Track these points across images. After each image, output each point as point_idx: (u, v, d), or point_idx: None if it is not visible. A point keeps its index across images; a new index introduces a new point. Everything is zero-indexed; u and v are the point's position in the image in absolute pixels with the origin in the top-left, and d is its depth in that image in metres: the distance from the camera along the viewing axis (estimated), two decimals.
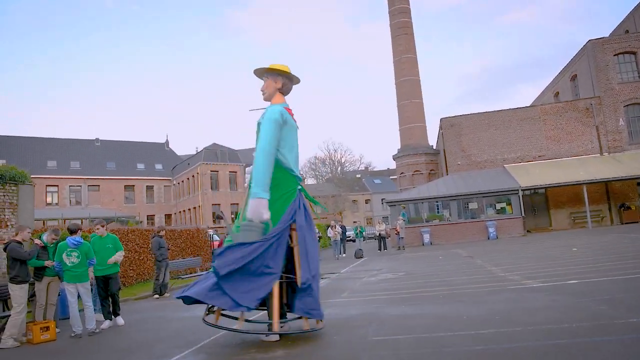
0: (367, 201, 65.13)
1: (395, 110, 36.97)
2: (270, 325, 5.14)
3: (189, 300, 5.19)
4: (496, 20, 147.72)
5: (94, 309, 7.27)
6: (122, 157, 55.45)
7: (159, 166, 57.88)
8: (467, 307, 6.44)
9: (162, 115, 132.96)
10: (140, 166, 55.91)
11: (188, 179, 52.57)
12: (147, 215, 53.49)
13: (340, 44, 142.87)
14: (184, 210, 53.01)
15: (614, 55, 26.70)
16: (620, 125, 26.38)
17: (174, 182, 56.56)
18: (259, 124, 5.40)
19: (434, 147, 36.51)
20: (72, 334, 6.69)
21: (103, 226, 7.77)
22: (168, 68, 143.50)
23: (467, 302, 6.85)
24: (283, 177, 5.37)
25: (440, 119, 29.72)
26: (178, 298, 5.25)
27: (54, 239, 7.33)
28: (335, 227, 21.44)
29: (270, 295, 5.03)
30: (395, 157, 37.20)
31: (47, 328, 6.68)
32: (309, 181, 68.74)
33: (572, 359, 3.75)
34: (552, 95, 35.20)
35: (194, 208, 50.76)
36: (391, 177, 74.57)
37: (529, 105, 34.95)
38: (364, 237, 24.49)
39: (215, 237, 19.86)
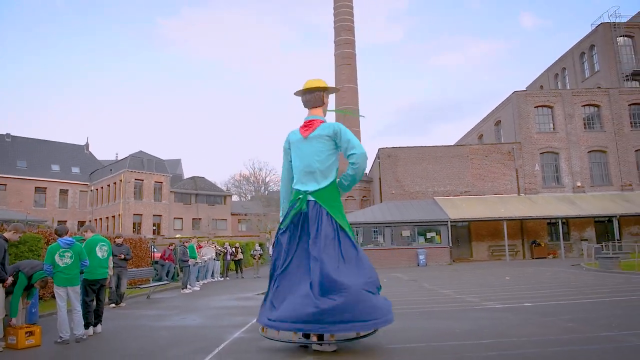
0: None
1: None
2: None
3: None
4: (424, 62, 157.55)
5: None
6: (35, 156, 51.30)
7: (76, 169, 54.31)
8: (452, 322, 7.07)
9: (83, 116, 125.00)
10: (55, 167, 52.07)
11: (109, 185, 49.86)
12: (59, 221, 49.54)
13: (272, 68, 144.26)
14: (102, 218, 50.02)
15: (535, 107, 29.91)
16: (535, 170, 29.39)
17: (91, 187, 53.32)
18: None
19: (367, 174, 38.03)
20: (59, 340, 6.32)
21: (93, 231, 7.59)
22: (95, 70, 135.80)
23: (448, 318, 7.50)
24: (293, 192, 5.79)
25: (379, 149, 31.21)
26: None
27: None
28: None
29: None
30: None
31: (32, 333, 6.31)
32: (233, 198, 67.86)
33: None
34: (476, 136, 38.34)
35: (113, 217, 48.13)
36: None
37: (455, 144, 37.78)
38: None
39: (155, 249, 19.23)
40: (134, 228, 45.79)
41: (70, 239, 6.64)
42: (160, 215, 49.40)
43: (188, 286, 14.74)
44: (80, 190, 53.02)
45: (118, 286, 10.87)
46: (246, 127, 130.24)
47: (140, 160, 48.54)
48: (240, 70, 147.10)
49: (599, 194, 28.79)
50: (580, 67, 37.79)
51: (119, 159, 56.22)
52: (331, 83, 49.31)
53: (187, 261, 14.87)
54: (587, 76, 36.94)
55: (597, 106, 30.24)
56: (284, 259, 5.47)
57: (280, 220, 5.71)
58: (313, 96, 5.88)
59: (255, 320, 8.10)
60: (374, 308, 5.05)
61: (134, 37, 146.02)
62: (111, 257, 7.54)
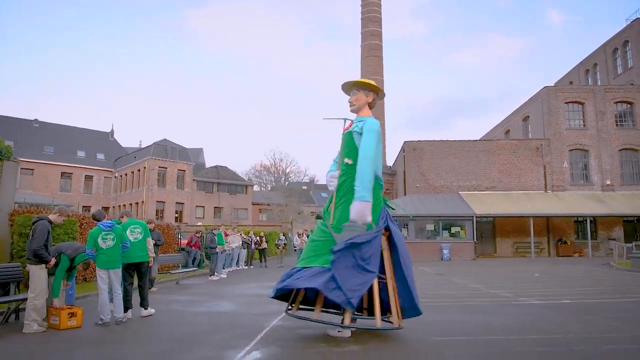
0: (312, 213, 65.63)
1: None
2: (342, 319, 5.37)
3: (280, 292, 5.47)
4: (447, 57, 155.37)
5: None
6: (61, 142, 52.32)
7: (100, 156, 55.21)
8: (491, 316, 6.95)
9: (109, 103, 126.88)
10: (81, 154, 53.01)
11: (133, 172, 50.57)
12: (83, 206, 50.56)
13: (295, 61, 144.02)
14: (125, 205, 50.78)
15: (565, 102, 29.21)
16: (564, 167, 28.78)
17: (116, 174, 54.13)
18: (349, 133, 5.67)
19: (391, 167, 37.80)
20: (99, 322, 6.40)
21: (129, 216, 7.66)
22: (122, 58, 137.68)
23: (487, 312, 7.38)
24: (376, 184, 5.64)
25: (404, 142, 30.94)
26: (279, 290, 5.41)
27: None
28: (302, 236, 21.67)
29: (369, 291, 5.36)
30: None
31: (74, 314, 6.39)
32: (254, 188, 68.23)
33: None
34: (503, 132, 37.69)
35: (136, 203, 48.83)
36: None
37: (481, 139, 37.22)
38: None
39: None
40: (157, 215, 46.41)
41: (110, 222, 6.71)
42: (183, 203, 49.94)
43: (215, 273, 14.85)
44: (105, 177, 53.91)
45: (149, 271, 10.98)
46: (267, 118, 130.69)
47: (164, 148, 49.07)
48: (262, 63, 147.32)
49: (629, 193, 28.05)
50: (612, 63, 36.74)
51: (143, 146, 56.96)
52: (357, 74, 49.37)
53: (215, 248, 14.98)
54: (619, 72, 35.91)
55: (630, 103, 29.39)
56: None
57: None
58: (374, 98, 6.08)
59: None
60: None
61: (162, 27, 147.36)
62: (149, 239, 7.54)
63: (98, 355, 4.93)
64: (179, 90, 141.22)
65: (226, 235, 17.30)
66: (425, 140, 29.79)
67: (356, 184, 5.32)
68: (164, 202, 48.03)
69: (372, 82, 5.98)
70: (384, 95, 6.23)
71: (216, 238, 15.28)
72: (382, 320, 5.36)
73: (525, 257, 26.79)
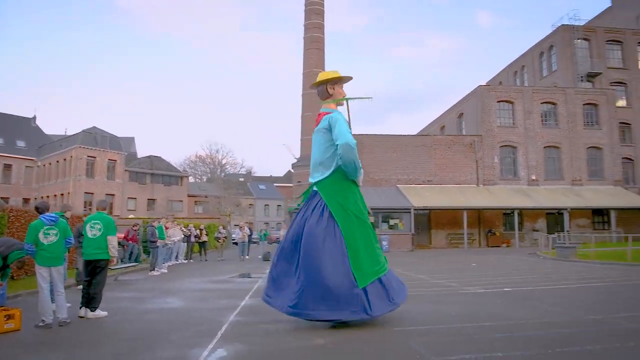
0: (250, 206, 65.01)
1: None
2: None
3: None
4: (383, 53, 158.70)
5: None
6: None
7: (21, 143, 51.39)
8: (444, 306, 7.18)
9: (32, 87, 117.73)
10: None
11: (58, 161, 47.46)
12: (1, 197, 46.81)
13: (231, 47, 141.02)
14: (49, 196, 47.55)
15: (497, 101, 30.84)
16: (494, 162, 30.42)
17: (38, 163, 50.58)
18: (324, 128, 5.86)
19: None
20: (41, 323, 5.90)
21: (104, 209, 7.14)
22: (44, 39, 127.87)
23: (439, 302, 7.62)
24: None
25: None
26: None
27: None
28: (244, 229, 21.37)
29: None
30: (294, 166, 38.04)
31: (11, 316, 5.86)
32: (189, 179, 66.37)
33: (578, 343, 4.62)
34: (438, 128, 39.16)
35: (62, 194, 45.92)
36: (275, 185, 75.39)
37: (418, 134, 38.45)
38: (267, 240, 24.61)
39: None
40: (84, 207, 43.87)
41: (54, 215, 6.21)
42: (114, 195, 47.60)
43: (156, 268, 14.29)
44: (26, 166, 50.25)
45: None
46: (202, 107, 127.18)
47: (94, 137, 46.44)
48: (197, 48, 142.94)
49: (552, 188, 30.20)
50: (539, 66, 39.21)
51: (70, 134, 53.55)
52: (299, 66, 49.15)
53: (156, 242, 14.40)
54: (544, 75, 38.40)
55: (554, 104, 31.56)
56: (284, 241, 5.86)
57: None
58: (319, 90, 6.15)
59: (244, 303, 8.04)
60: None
61: (90, 6, 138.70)
62: (111, 237, 6.87)
63: (56, 359, 4.55)
64: (108, 76, 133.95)
65: (166, 228, 16.69)
66: (366, 134, 30.28)
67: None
68: (92, 193, 45.49)
69: (323, 75, 6.18)
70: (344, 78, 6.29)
71: (157, 231, 14.68)
72: None
73: (458, 247, 28.09)
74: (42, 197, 48.08)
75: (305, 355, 4.50)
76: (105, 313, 6.72)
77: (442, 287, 9.73)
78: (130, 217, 37.70)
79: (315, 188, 5.87)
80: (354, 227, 5.63)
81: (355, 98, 6.48)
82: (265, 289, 5.87)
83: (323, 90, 6.09)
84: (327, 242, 5.48)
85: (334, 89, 6.08)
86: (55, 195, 46.52)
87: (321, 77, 6.16)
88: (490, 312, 6.50)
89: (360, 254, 5.51)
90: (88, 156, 45.35)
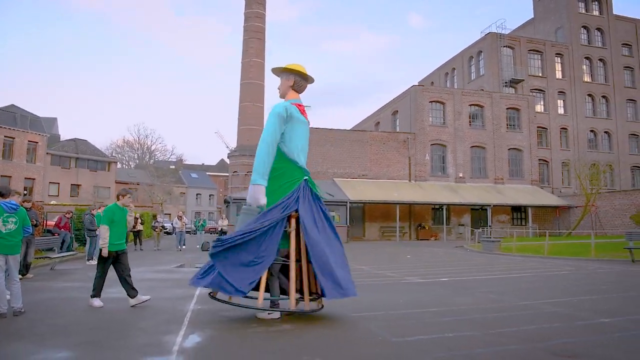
0: (182, 194, 63.34)
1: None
2: (273, 303, 5.66)
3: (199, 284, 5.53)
4: (316, 46, 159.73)
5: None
6: None
7: None
8: (390, 295, 7.77)
9: None
10: None
11: None
12: None
13: (167, 34, 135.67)
14: None
15: (430, 101, 32.45)
16: (426, 159, 32.05)
17: None
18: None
19: None
20: None
21: (124, 196, 6.84)
22: None
23: (384, 291, 8.20)
24: (288, 167, 5.72)
25: None
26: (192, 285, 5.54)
27: None
28: (182, 219, 21.08)
29: (269, 276, 5.63)
30: (230, 155, 37.73)
31: None
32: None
33: (515, 324, 5.33)
34: (373, 124, 40.43)
35: None
36: (208, 174, 73.97)
37: (352, 129, 39.49)
38: (204, 230, 24.39)
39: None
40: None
41: (15, 202, 6.02)
42: (34, 179, 44.60)
43: (94, 257, 13.84)
44: None
45: (25, 255, 9.92)
46: (131, 90, 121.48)
47: (12, 116, 43.13)
48: (129, 31, 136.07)
49: (477, 185, 32.37)
50: (467, 70, 41.59)
51: None
52: (238, 55, 48.14)
53: (95, 231, 13.92)
54: (473, 78, 40.82)
55: (481, 107, 33.74)
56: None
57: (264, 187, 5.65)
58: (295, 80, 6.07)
59: (198, 292, 8.17)
60: None
61: None
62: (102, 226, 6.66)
63: (25, 349, 4.50)
64: (25, 50, 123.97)
65: None
66: None
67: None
68: (10, 176, 42.30)
69: (295, 66, 6.00)
70: (312, 79, 6.25)
71: (95, 220, 14.19)
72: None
73: (390, 240, 29.41)
74: None
75: (275, 339, 4.80)
76: (99, 304, 6.68)
77: (385, 277, 10.38)
78: (52, 202, 35.62)
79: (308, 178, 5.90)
80: None
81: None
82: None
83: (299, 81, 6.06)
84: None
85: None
86: None
87: (300, 68, 6.05)
88: (434, 300, 7.15)
89: None
90: (5, 136, 42.08)
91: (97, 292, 6.70)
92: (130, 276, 6.89)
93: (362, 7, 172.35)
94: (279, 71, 6.06)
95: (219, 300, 5.68)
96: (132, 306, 6.59)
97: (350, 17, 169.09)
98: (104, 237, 6.57)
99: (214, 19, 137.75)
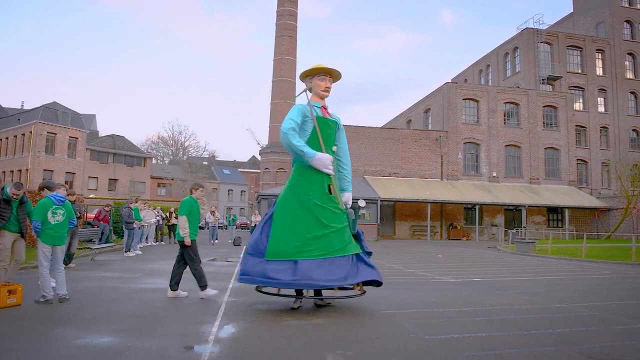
0: (214, 190, 64.42)
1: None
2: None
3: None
4: (347, 44, 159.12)
5: None
6: None
7: None
8: (422, 293, 7.74)
9: None
10: None
11: (15, 136, 45.57)
12: None
13: (195, 28, 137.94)
14: (5, 172, 45.68)
15: (463, 99, 31.92)
16: (458, 158, 31.57)
17: None
18: (336, 123, 6.29)
19: None
20: (41, 299, 6.05)
21: (197, 189, 7.15)
22: (2, 11, 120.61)
23: (415, 289, 8.18)
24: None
25: None
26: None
27: (15, 194, 6.52)
28: (215, 214, 21.48)
29: None
30: (261, 152, 38.11)
31: (13, 291, 5.97)
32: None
33: (544, 326, 5.24)
34: (405, 121, 40.08)
35: (19, 170, 44.20)
36: (240, 170, 74.98)
37: (383, 127, 39.26)
38: (236, 225, 24.78)
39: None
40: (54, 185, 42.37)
41: (62, 195, 6.32)
42: (74, 173, 46.21)
43: (131, 249, 14.31)
44: None
45: (69, 246, 10.34)
46: (166, 88, 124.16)
47: (55, 113, 44.80)
48: (159, 27, 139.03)
49: (511, 185, 31.68)
50: (503, 66, 40.69)
51: (27, 108, 51.44)
52: (270, 52, 48.06)
53: (132, 224, 14.40)
54: (508, 75, 39.91)
55: (517, 104, 32.96)
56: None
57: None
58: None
59: (231, 285, 8.37)
60: None
61: None
62: (180, 217, 6.86)
63: (70, 333, 4.74)
64: (66, 50, 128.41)
65: (140, 210, 16.64)
66: None
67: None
68: (52, 170, 44.01)
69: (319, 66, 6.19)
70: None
71: (133, 213, 14.67)
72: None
73: (420, 239, 29.15)
74: None
75: (308, 332, 4.89)
76: (214, 292, 6.86)
77: (417, 276, 10.34)
78: (91, 196, 36.85)
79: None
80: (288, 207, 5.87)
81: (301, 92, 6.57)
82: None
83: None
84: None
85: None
86: (12, 172, 44.75)
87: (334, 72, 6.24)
88: (466, 299, 7.09)
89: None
90: (48, 132, 43.77)
91: (203, 280, 6.81)
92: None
93: (393, 5, 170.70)
94: (335, 75, 6.37)
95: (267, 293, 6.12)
96: (170, 298, 6.79)
97: (381, 15, 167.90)
98: (184, 228, 6.73)
99: (245, 18, 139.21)
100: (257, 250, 5.77)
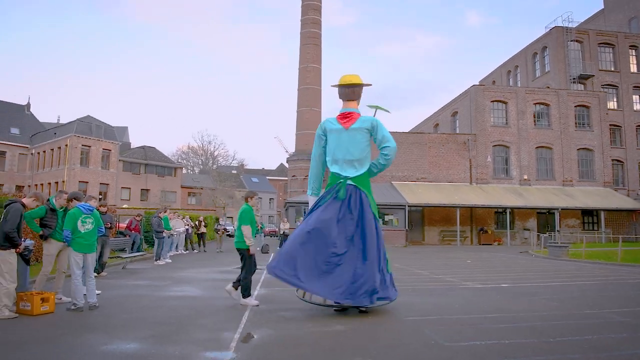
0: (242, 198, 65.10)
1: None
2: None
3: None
4: (376, 48, 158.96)
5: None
6: None
7: (15, 130, 50.93)
8: (447, 299, 7.65)
9: (25, 75, 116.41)
10: None
11: (52, 150, 47.25)
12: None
13: (223, 40, 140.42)
14: (42, 184, 47.43)
15: (491, 101, 31.39)
16: (487, 161, 31.03)
17: (32, 150, 50.29)
18: None
19: None
20: (72, 307, 6.27)
21: (252, 197, 7.33)
22: (38, 28, 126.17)
23: (441, 295, 8.08)
24: (331, 176, 6.51)
25: None
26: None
27: (62, 204, 6.83)
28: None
29: None
30: (289, 160, 38.43)
31: (46, 299, 6.20)
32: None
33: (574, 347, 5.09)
34: (432, 125, 39.67)
35: (56, 183, 45.78)
36: (268, 178, 75.65)
37: (411, 131, 38.97)
38: (264, 233, 25.00)
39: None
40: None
41: (89, 205, 6.56)
42: (108, 184, 47.58)
43: (161, 258, 14.63)
44: (20, 153, 49.93)
45: (101, 255, 10.67)
46: (194, 99, 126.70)
47: (89, 126, 46.32)
48: (188, 40, 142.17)
49: (543, 187, 30.90)
50: (532, 67, 39.83)
51: (63, 122, 53.37)
52: (295, 61, 49.15)
53: (162, 232, 14.73)
54: (537, 75, 39.03)
55: (547, 105, 32.20)
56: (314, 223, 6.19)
57: (316, 197, 6.57)
58: (352, 90, 6.58)
59: (256, 292, 8.44)
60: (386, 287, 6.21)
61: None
62: (244, 227, 6.98)
63: (98, 340, 4.91)
64: (99, 65, 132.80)
65: (170, 219, 17.00)
66: None
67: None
68: (87, 182, 45.42)
69: (358, 79, 6.72)
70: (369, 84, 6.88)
71: (163, 222, 15.01)
72: None
73: (450, 244, 28.70)
74: (35, 185, 47.95)
75: (329, 339, 4.92)
76: (256, 302, 6.86)
77: (443, 282, 10.21)
78: (124, 206, 37.85)
79: (351, 182, 6.32)
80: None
81: (383, 109, 7.05)
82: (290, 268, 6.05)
83: (358, 92, 6.63)
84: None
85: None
86: (49, 184, 46.40)
87: (358, 80, 6.63)
88: (492, 305, 6.97)
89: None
90: (83, 145, 45.26)
91: (249, 291, 6.94)
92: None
93: (418, 9, 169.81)
94: (363, 86, 6.79)
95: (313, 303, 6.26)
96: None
97: (404, 19, 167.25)
98: (248, 237, 6.86)
99: (269, 27, 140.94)
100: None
